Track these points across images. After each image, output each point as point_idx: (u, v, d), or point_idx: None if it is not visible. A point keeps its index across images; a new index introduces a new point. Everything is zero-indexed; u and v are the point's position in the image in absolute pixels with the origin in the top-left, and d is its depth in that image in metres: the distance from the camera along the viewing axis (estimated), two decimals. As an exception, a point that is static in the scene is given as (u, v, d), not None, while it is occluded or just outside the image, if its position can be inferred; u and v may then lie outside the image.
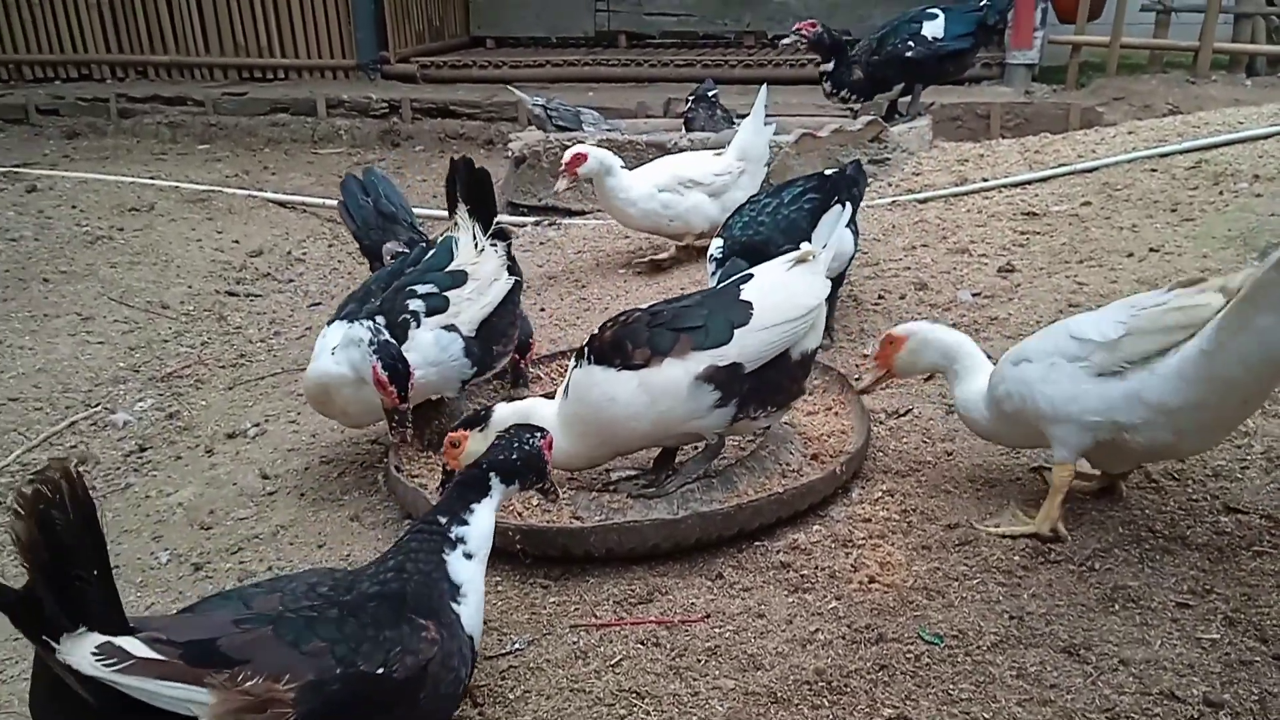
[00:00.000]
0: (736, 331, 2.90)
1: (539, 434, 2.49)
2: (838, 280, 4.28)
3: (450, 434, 2.95)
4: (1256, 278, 2.32)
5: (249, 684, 1.76)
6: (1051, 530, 2.74)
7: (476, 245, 3.58)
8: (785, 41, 7.17)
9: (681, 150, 6.53)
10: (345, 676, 1.88)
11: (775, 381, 2.99)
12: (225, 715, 1.74)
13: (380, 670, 1.93)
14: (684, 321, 2.95)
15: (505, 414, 3.00)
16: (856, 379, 3.58)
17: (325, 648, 1.89)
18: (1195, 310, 2.49)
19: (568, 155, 4.98)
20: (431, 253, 3.57)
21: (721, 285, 3.23)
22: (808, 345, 3.04)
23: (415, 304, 3.35)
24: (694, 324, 2.94)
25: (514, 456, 2.40)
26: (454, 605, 2.16)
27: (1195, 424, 2.56)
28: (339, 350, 3.20)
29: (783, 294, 3.00)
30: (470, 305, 3.45)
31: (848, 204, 3.24)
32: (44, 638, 1.69)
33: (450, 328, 3.37)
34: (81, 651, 1.69)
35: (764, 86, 5.40)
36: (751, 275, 3.10)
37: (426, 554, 2.20)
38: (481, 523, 2.29)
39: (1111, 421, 2.60)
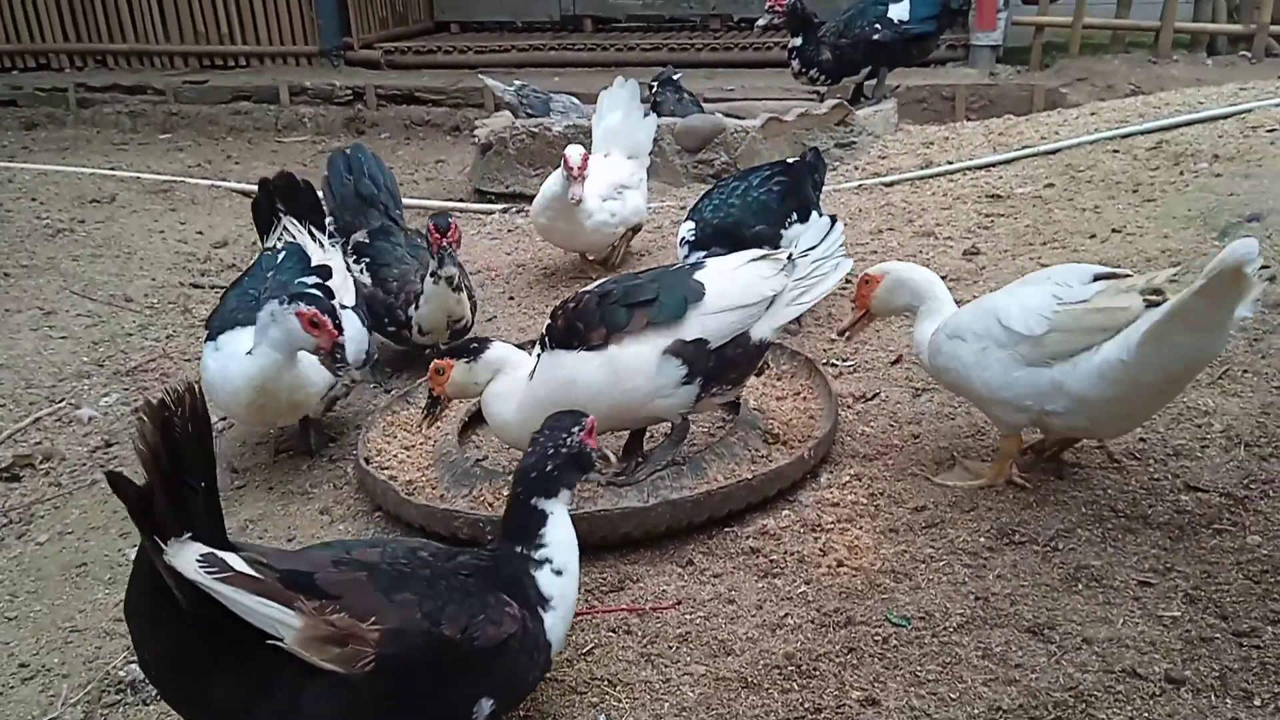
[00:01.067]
0: (691, 308, 2.93)
1: (578, 427, 2.37)
2: None
3: (437, 360, 3.01)
4: (1180, 299, 2.41)
5: (335, 616, 1.82)
6: (1006, 481, 2.94)
7: (320, 245, 3.89)
8: (761, 23, 7.12)
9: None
10: (427, 633, 1.93)
11: (734, 359, 3.02)
12: (309, 641, 1.79)
13: (460, 635, 1.97)
14: (635, 296, 2.97)
15: (498, 353, 3.01)
16: (839, 325, 3.61)
17: (414, 601, 1.95)
18: (1116, 313, 2.59)
19: (578, 159, 4.61)
20: (281, 258, 3.64)
21: (673, 267, 3.26)
22: (767, 332, 3.07)
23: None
24: (646, 298, 2.96)
25: (548, 469, 2.29)
26: (540, 611, 2.18)
27: (1110, 415, 2.72)
28: (257, 347, 3.22)
29: (737, 281, 3.03)
30: (345, 294, 3.72)
31: (838, 221, 3.26)
32: (155, 537, 1.74)
33: (344, 307, 3.57)
34: (187, 557, 1.74)
35: (631, 80, 5.24)
36: (704, 264, 3.13)
37: (517, 566, 2.22)
38: (559, 536, 2.26)
39: (1039, 407, 2.73)
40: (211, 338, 3.42)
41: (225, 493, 3.45)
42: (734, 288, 3.01)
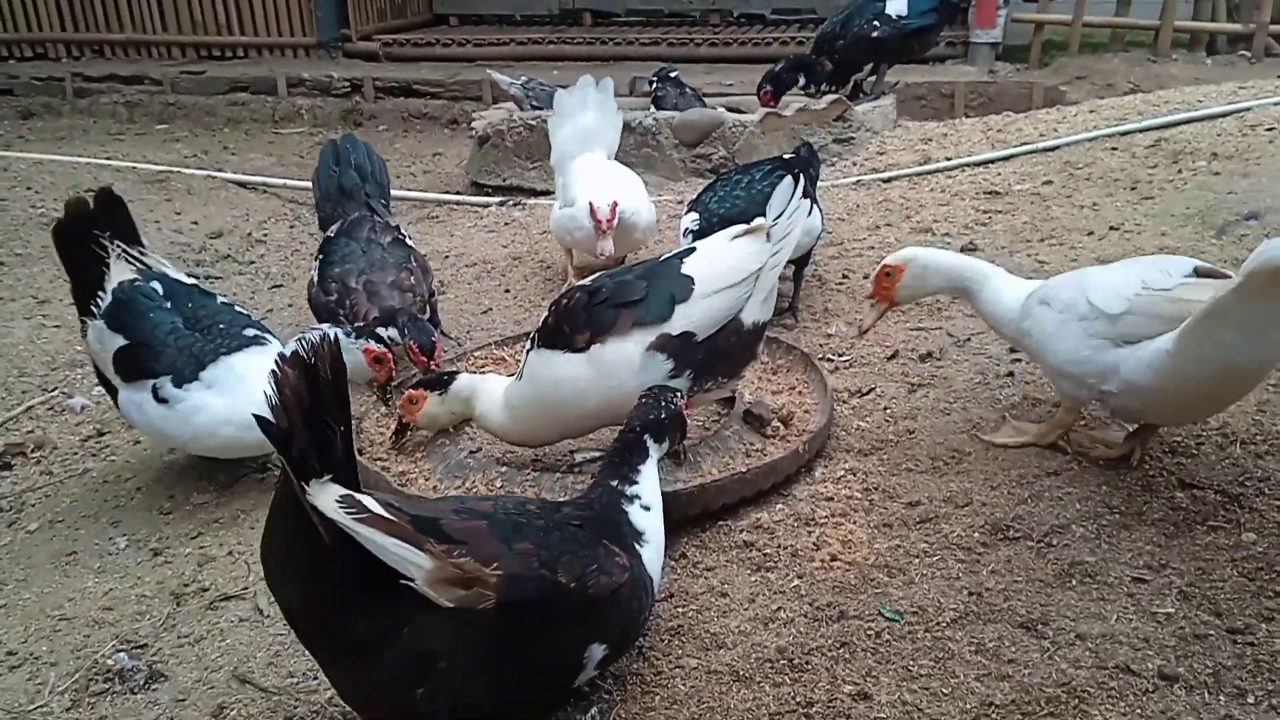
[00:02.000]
0: (678, 306, 2.92)
1: (678, 394, 2.62)
2: (803, 260, 4.30)
3: (410, 390, 3.13)
4: (1218, 297, 2.41)
5: (462, 560, 1.90)
6: (1050, 442, 3.03)
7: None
8: (786, 114, 6.64)
9: (646, 127, 6.53)
10: (543, 579, 2.00)
11: (726, 349, 2.99)
12: (437, 582, 1.87)
13: (574, 584, 2.04)
14: (623, 296, 2.96)
15: (464, 383, 3.13)
16: (858, 322, 3.65)
17: (531, 550, 2.02)
18: (1189, 305, 2.57)
19: (606, 210, 4.35)
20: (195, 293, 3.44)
21: (663, 258, 3.22)
22: (758, 316, 3.04)
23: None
24: (634, 298, 2.95)
25: (662, 416, 2.53)
26: (637, 546, 2.28)
27: (1160, 403, 2.73)
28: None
29: (724, 262, 3.01)
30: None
31: (800, 177, 3.23)
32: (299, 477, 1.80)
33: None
34: (327, 497, 1.81)
35: (605, 79, 5.09)
36: (694, 249, 3.11)
37: (611, 504, 2.35)
38: (649, 479, 2.43)
39: (1099, 385, 2.77)
40: (187, 380, 3.17)
41: (215, 483, 3.44)
42: (719, 269, 2.99)
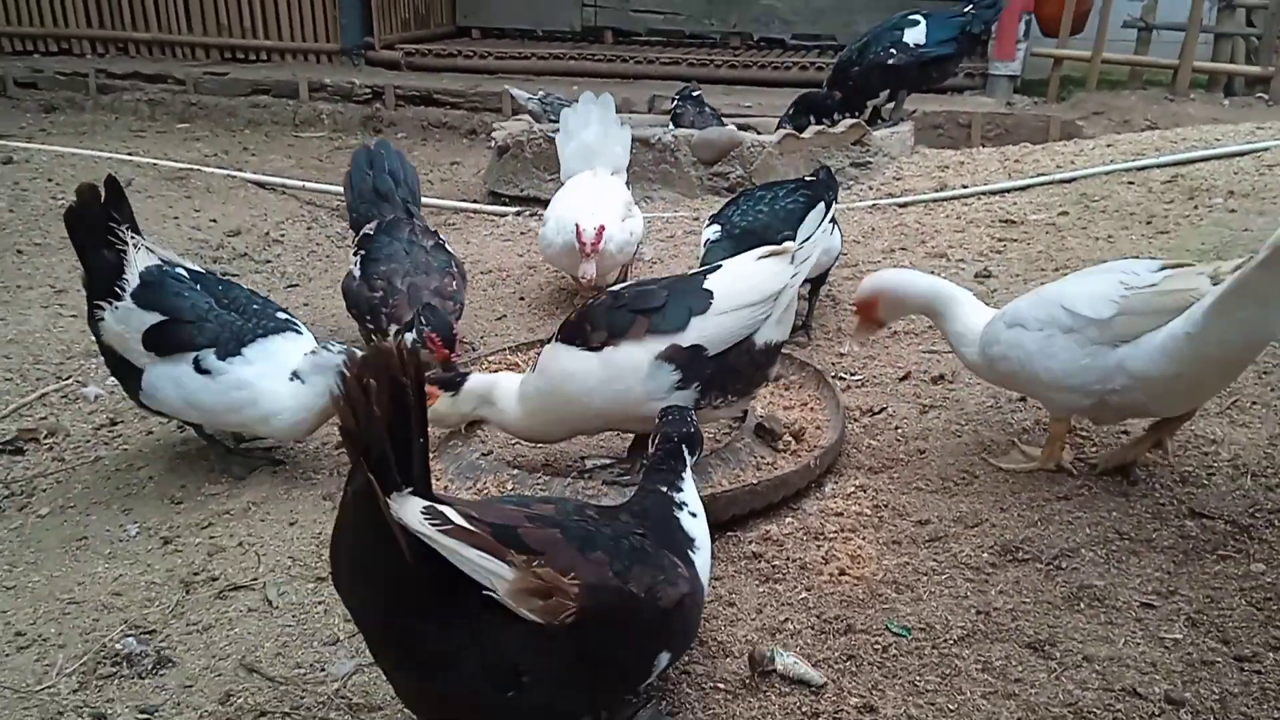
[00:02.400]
0: (694, 319, 2.94)
1: (693, 415, 2.65)
2: (820, 279, 4.32)
3: (431, 388, 3.07)
4: (1244, 272, 2.49)
5: (542, 570, 1.87)
6: (1056, 465, 3.05)
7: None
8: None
9: (664, 144, 6.57)
10: (617, 590, 1.99)
11: (737, 367, 3.01)
12: (519, 593, 1.84)
13: (644, 595, 2.03)
14: (643, 304, 3.01)
15: (478, 382, 3.15)
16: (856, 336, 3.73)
17: (605, 560, 2.00)
18: (1184, 294, 2.67)
19: (591, 234, 4.30)
20: (222, 287, 3.48)
21: (690, 273, 3.26)
22: (772, 336, 3.04)
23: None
24: (653, 306, 2.99)
25: (694, 430, 2.56)
26: (690, 554, 2.27)
27: (1168, 392, 2.79)
28: (319, 376, 3.25)
29: (745, 281, 3.03)
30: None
31: (831, 203, 3.28)
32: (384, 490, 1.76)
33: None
34: (410, 510, 1.79)
35: (605, 95, 5.08)
36: (720, 266, 3.13)
37: (664, 512, 2.33)
38: (691, 487, 2.45)
39: (1102, 389, 2.80)
40: (231, 354, 3.26)
41: (227, 474, 3.46)
42: (740, 287, 3.01)
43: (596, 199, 4.61)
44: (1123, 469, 3.03)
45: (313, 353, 3.29)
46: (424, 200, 6.78)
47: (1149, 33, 9.41)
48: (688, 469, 2.48)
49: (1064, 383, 2.86)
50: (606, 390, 2.96)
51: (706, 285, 3.02)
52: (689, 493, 2.42)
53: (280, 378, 3.26)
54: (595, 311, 3.04)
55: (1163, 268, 2.79)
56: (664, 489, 2.39)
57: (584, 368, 2.97)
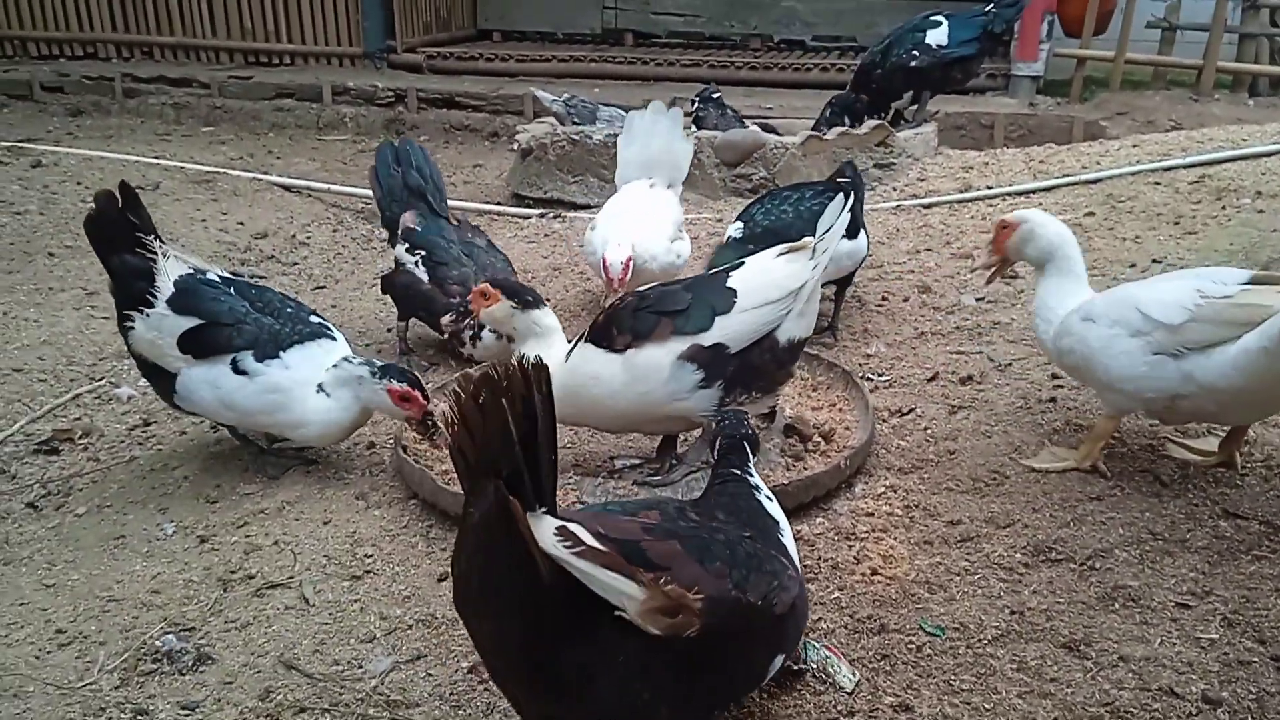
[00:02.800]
0: (718, 318, 2.97)
1: (748, 415, 2.68)
2: (845, 280, 4.33)
3: (485, 285, 3.19)
4: None
5: (669, 588, 1.83)
6: (1091, 465, 3.06)
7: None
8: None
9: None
10: (737, 601, 1.97)
11: (760, 364, 3.03)
12: (648, 612, 1.81)
13: (761, 603, 2.02)
14: (667, 305, 3.04)
15: (543, 317, 3.18)
16: (975, 271, 3.80)
17: (725, 570, 1.98)
18: (1258, 309, 2.68)
19: (619, 268, 4.12)
20: (253, 290, 3.53)
21: (712, 271, 3.29)
22: (795, 332, 3.07)
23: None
24: (677, 308, 3.02)
25: (751, 431, 2.56)
26: (781, 540, 2.29)
27: (1240, 403, 2.83)
28: (344, 390, 3.29)
29: (766, 277, 3.05)
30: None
31: (851, 194, 3.26)
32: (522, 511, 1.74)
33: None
34: (545, 530, 1.76)
35: (675, 109, 4.95)
36: (743, 263, 3.15)
37: (748, 498, 2.34)
38: (757, 475, 2.46)
39: (1164, 394, 2.82)
40: (269, 356, 3.30)
41: (263, 478, 3.49)
42: (760, 284, 3.04)
43: (645, 219, 4.49)
44: (1226, 464, 3.06)
45: (336, 366, 3.30)
46: (449, 203, 6.86)
47: (1173, 33, 9.38)
48: (751, 463, 2.48)
49: (1120, 385, 2.89)
50: (631, 393, 2.99)
51: (730, 284, 3.04)
52: (758, 479, 2.44)
53: (313, 385, 3.30)
54: (621, 314, 3.08)
55: (1253, 280, 2.78)
56: (737, 471, 2.41)
57: (609, 370, 3.01)
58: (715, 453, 2.54)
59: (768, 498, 2.39)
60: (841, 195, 3.17)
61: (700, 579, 1.91)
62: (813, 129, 6.80)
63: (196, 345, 3.31)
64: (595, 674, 1.85)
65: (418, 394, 3.22)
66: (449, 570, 2.83)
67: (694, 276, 3.31)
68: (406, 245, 4.36)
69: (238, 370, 3.28)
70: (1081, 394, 3.55)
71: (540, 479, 1.75)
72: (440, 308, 4.14)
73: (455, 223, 4.61)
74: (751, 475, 2.43)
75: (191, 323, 3.31)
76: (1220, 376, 2.71)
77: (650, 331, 3.01)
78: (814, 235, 3.13)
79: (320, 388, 3.30)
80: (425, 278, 4.24)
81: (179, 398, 3.39)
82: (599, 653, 1.84)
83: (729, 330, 2.98)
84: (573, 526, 1.79)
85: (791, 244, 3.13)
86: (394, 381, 3.22)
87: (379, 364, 3.28)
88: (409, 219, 4.42)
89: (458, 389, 1.73)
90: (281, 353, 3.31)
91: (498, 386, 1.69)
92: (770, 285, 3.03)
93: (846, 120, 6.81)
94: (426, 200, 4.57)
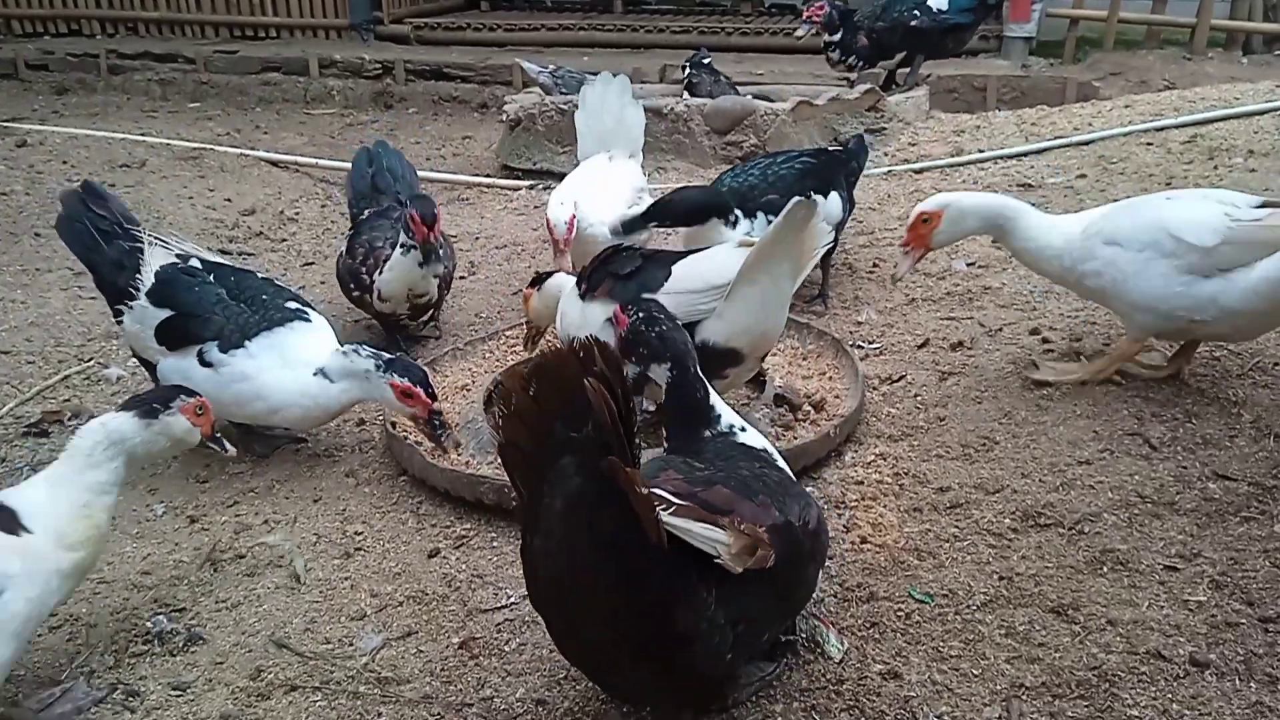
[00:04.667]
0: (643, 295, 2.98)
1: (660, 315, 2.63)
2: (829, 249, 4.29)
3: (525, 289, 3.58)
4: None
5: (744, 527, 1.91)
6: (1104, 379, 3.21)
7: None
8: (799, 33, 7.23)
9: (677, 114, 6.53)
10: (789, 526, 2.06)
11: None
12: (737, 554, 1.85)
13: (801, 524, 2.10)
14: (616, 266, 3.16)
15: (555, 281, 3.47)
16: (893, 271, 3.68)
17: (768, 502, 2.06)
18: None
19: (563, 229, 4.02)
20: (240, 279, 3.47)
21: (685, 250, 3.36)
22: (714, 336, 2.94)
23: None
24: (620, 271, 3.13)
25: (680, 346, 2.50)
26: (779, 465, 2.36)
27: (1250, 324, 3.01)
28: (348, 380, 3.24)
29: (699, 265, 3.06)
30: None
31: (830, 195, 3.24)
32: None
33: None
34: None
35: (621, 76, 4.87)
36: (706, 249, 3.19)
37: (735, 445, 2.36)
38: (721, 405, 2.46)
39: (1189, 317, 2.92)
40: (233, 346, 3.24)
41: (251, 457, 3.48)
42: (690, 271, 3.04)
43: (601, 188, 4.39)
44: (1174, 376, 3.22)
45: (343, 353, 3.25)
46: (436, 175, 6.83)
47: (1165, -10, 9.28)
48: (710, 393, 2.43)
49: (1156, 306, 2.96)
50: (580, 334, 3.07)
51: (676, 264, 3.08)
52: (726, 413, 2.42)
53: (287, 369, 3.23)
54: (594, 263, 3.25)
55: (1264, 204, 2.91)
56: (706, 432, 2.39)
57: (575, 313, 3.20)
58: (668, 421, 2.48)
59: (742, 429, 2.40)
60: (798, 200, 2.83)
61: (757, 514, 1.99)
62: (813, 21, 6.98)
63: (168, 337, 3.30)
64: (697, 629, 1.89)
65: (421, 390, 3.15)
66: (438, 547, 2.85)
67: (661, 250, 3.36)
68: (347, 236, 4.35)
69: (203, 362, 3.25)
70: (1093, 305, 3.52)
71: (632, 449, 1.76)
72: (345, 271, 4.14)
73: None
74: (716, 418, 2.40)
75: (165, 314, 3.29)
76: (1243, 301, 2.85)
77: (597, 287, 3.15)
78: (778, 197, 3.15)
79: (322, 372, 3.24)
80: (343, 251, 4.23)
81: (161, 383, 3.38)
82: (696, 608, 1.88)
83: None
84: (655, 489, 1.83)
85: (748, 239, 3.11)
86: (398, 376, 3.16)
87: (386, 357, 3.22)
88: (365, 214, 4.37)
89: (510, 380, 1.74)
90: (247, 341, 3.25)
91: (603, 364, 1.71)
92: (696, 274, 3.00)
93: (841, 30, 6.95)
94: (390, 195, 4.51)
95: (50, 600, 2.28)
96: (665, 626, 1.86)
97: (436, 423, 3.17)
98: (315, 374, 3.24)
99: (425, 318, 4.29)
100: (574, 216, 4.06)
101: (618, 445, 1.69)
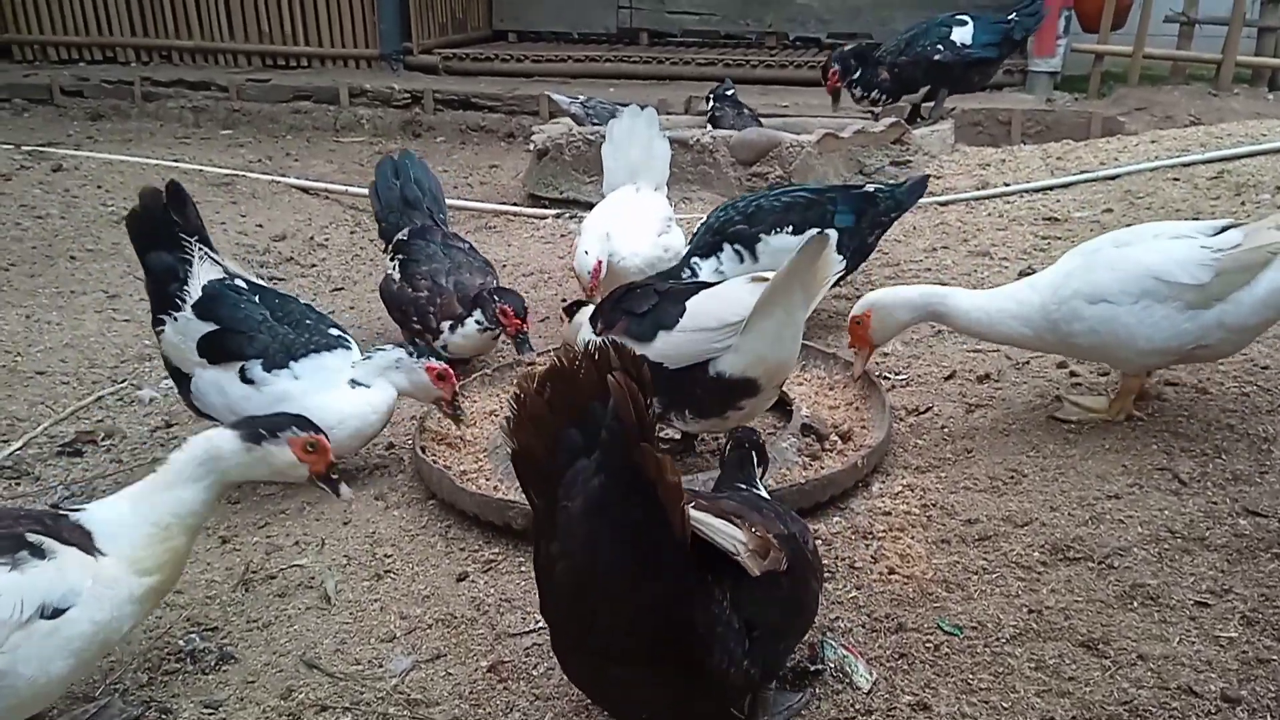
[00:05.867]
0: (660, 333, 3.03)
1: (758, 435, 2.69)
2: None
3: (564, 310, 3.64)
4: None
5: (756, 530, 1.96)
6: (1126, 415, 3.27)
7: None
8: (841, 103, 7.40)
9: (703, 145, 6.58)
10: (793, 537, 2.12)
11: (690, 391, 3.04)
12: (752, 554, 1.89)
13: (803, 541, 2.18)
14: (632, 305, 3.18)
15: (583, 314, 3.47)
16: (853, 369, 3.68)
17: (774, 517, 2.14)
18: (1268, 249, 2.94)
19: (587, 276, 4.19)
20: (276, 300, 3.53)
21: (685, 284, 3.43)
22: (731, 368, 2.97)
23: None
24: (636, 310, 3.14)
25: (760, 440, 2.65)
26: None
27: (1252, 337, 3.16)
28: (381, 378, 3.39)
29: (712, 303, 3.05)
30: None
31: (834, 231, 3.18)
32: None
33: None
34: None
35: (649, 109, 4.98)
36: (720, 284, 3.20)
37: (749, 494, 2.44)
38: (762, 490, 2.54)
39: (1196, 345, 3.03)
40: (277, 366, 3.31)
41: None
42: (707, 308, 3.03)
43: (627, 220, 4.51)
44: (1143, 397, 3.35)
45: (368, 357, 3.39)
46: (464, 204, 6.90)
47: (1191, 27, 9.31)
48: (757, 476, 2.54)
49: (1164, 346, 3.04)
50: None
51: (689, 299, 3.07)
52: (763, 491, 2.50)
53: (331, 392, 3.32)
54: (609, 300, 3.29)
55: (1225, 228, 3.02)
56: (741, 486, 2.47)
57: None
58: (723, 463, 2.60)
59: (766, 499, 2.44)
60: (816, 234, 2.86)
61: (766, 523, 2.05)
62: (824, 67, 7.11)
63: (211, 350, 3.35)
64: (713, 630, 1.91)
65: (452, 373, 3.39)
66: (466, 571, 2.87)
67: (675, 284, 3.40)
68: (392, 254, 4.42)
69: (245, 379, 3.30)
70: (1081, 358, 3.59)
71: (654, 444, 1.76)
72: (409, 303, 4.22)
73: (445, 231, 4.63)
74: (754, 484, 2.48)
75: (210, 328, 3.34)
76: (1251, 315, 2.97)
77: (613, 324, 3.17)
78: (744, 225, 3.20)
79: (354, 383, 3.35)
80: (398, 278, 4.31)
81: (194, 396, 3.43)
82: (712, 608, 1.91)
83: (667, 347, 3.01)
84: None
85: (761, 274, 3.13)
86: (432, 360, 3.37)
87: (410, 347, 3.42)
88: (402, 234, 4.47)
89: (523, 385, 1.77)
90: (292, 363, 3.32)
91: (627, 370, 1.73)
92: (710, 313, 3.01)
93: (859, 69, 7.02)
94: (421, 211, 4.61)
95: (121, 626, 2.24)
96: (685, 627, 1.88)
97: (457, 405, 3.43)
98: (352, 386, 3.35)
99: None
100: (600, 263, 4.19)
101: (644, 438, 1.72)
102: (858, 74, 7.04)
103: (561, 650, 2.07)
